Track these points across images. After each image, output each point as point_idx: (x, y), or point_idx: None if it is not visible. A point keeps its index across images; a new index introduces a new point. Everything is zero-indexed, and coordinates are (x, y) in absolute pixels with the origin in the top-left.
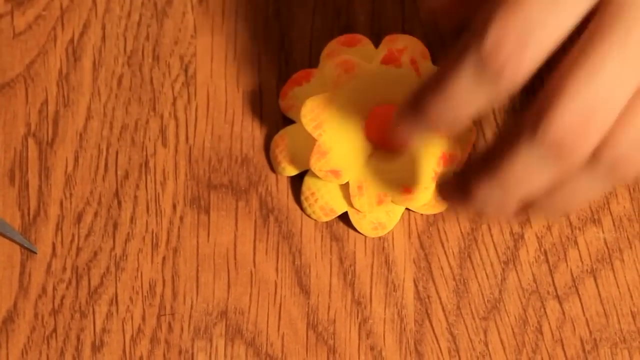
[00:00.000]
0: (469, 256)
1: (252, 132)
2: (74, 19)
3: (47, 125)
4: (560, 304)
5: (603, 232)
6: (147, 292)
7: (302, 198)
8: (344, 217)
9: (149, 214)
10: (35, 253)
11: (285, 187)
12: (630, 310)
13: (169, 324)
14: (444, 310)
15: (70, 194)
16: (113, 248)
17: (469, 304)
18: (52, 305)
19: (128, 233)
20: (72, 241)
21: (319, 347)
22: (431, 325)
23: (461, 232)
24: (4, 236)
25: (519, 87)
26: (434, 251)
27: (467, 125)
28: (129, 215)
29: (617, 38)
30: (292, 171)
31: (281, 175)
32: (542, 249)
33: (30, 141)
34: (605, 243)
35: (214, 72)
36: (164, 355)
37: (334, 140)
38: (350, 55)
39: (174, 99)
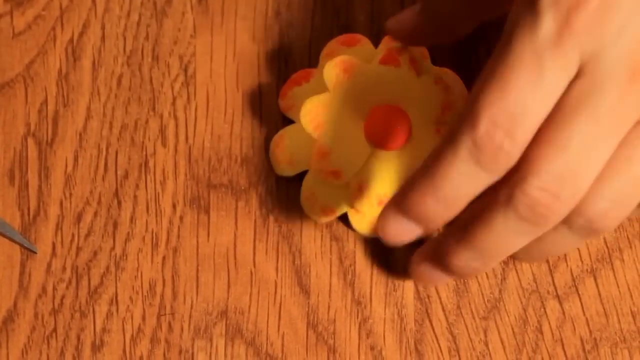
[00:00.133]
0: None
1: (251, 132)
2: (74, 19)
3: (47, 125)
4: (560, 303)
5: None
6: (147, 292)
7: (302, 199)
8: (344, 217)
9: (148, 214)
10: (35, 253)
11: (285, 187)
12: (630, 310)
13: (169, 323)
14: (444, 310)
15: (70, 194)
16: (113, 248)
17: (469, 304)
18: (52, 305)
19: (128, 233)
20: (72, 241)
21: (319, 346)
22: (431, 324)
23: None
24: (4, 236)
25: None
26: None
27: None
28: (129, 215)
29: (588, 111)
30: (291, 171)
31: (281, 176)
32: None
33: (30, 141)
34: (605, 243)
35: (213, 72)
36: (164, 355)
37: (333, 141)
38: (348, 55)
39: (174, 99)
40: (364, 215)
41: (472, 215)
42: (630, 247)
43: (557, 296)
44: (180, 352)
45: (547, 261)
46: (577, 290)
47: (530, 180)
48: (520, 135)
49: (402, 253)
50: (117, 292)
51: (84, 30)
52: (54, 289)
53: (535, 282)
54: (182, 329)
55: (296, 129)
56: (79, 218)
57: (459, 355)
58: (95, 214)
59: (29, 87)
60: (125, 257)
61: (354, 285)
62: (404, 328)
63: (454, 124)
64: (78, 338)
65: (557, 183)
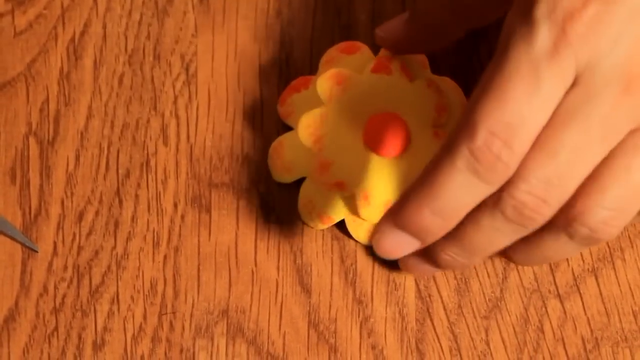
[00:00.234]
0: None
1: (253, 131)
2: (75, 18)
3: (48, 124)
4: (562, 302)
5: None
6: (149, 291)
7: (300, 205)
8: (343, 221)
9: (150, 213)
10: (37, 252)
11: (286, 186)
12: (632, 309)
13: (170, 322)
14: (445, 309)
15: (72, 193)
16: (114, 247)
17: (470, 303)
18: (54, 304)
19: (129, 232)
20: (73, 240)
21: (320, 346)
22: (432, 324)
23: None
24: (5, 235)
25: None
26: None
27: None
28: (130, 214)
29: (580, 120)
30: (289, 178)
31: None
32: None
33: (32, 140)
34: (606, 242)
35: (214, 71)
36: (165, 354)
37: (334, 153)
38: (339, 68)
39: (175, 98)
40: (362, 223)
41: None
42: (632, 247)
43: (559, 295)
44: (181, 351)
45: None
46: (578, 289)
47: (518, 184)
48: (517, 145)
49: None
50: (119, 291)
51: (86, 29)
52: (55, 287)
53: (537, 282)
54: (183, 328)
55: (294, 136)
56: (80, 217)
57: (460, 355)
58: (97, 213)
59: (31, 86)
60: (126, 256)
61: (355, 285)
62: (405, 327)
63: (451, 134)
64: (79, 337)
65: (545, 188)
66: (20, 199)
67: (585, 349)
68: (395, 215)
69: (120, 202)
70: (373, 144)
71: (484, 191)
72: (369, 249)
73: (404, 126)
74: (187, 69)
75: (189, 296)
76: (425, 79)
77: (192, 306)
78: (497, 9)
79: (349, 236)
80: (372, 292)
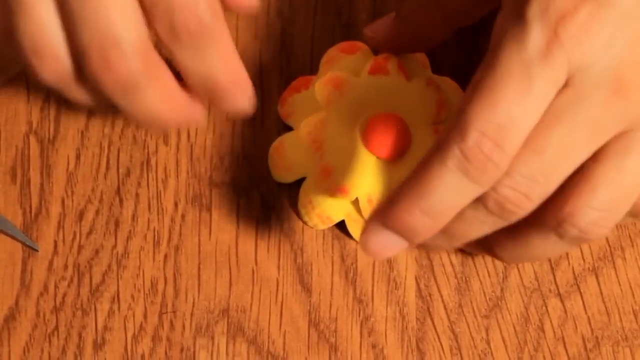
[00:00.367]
0: (470, 254)
1: (253, 130)
2: None
3: (49, 123)
4: (562, 302)
5: None
6: (149, 290)
7: (300, 205)
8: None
9: (150, 212)
10: (37, 251)
11: (286, 185)
12: (632, 309)
13: (171, 321)
14: (445, 308)
15: (72, 192)
16: (115, 246)
17: (471, 302)
18: (54, 303)
19: (130, 231)
20: (73, 239)
21: (321, 345)
22: (433, 323)
23: None
24: (6, 234)
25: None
26: None
27: None
28: (131, 213)
29: (568, 120)
30: (290, 178)
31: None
32: None
33: (32, 139)
34: (607, 241)
35: None
36: (166, 353)
37: (336, 158)
38: (338, 70)
39: None
40: (362, 223)
41: None
42: (632, 246)
43: (559, 294)
44: (181, 350)
45: (549, 260)
46: (578, 288)
47: (502, 179)
48: (508, 146)
49: (404, 251)
50: (119, 290)
51: None
52: (56, 287)
53: (537, 281)
54: (183, 327)
55: (295, 136)
56: (80, 216)
57: (460, 354)
58: (97, 212)
59: (31, 85)
60: (127, 255)
61: (356, 284)
62: (406, 326)
63: (442, 135)
64: (80, 336)
65: (528, 184)
66: (21, 198)
67: (585, 348)
68: (384, 215)
69: (121, 201)
70: (373, 146)
71: (474, 191)
72: None
73: (404, 126)
74: None
75: (189, 295)
76: (424, 77)
77: (193, 305)
78: (481, 8)
79: (350, 235)
80: (372, 291)
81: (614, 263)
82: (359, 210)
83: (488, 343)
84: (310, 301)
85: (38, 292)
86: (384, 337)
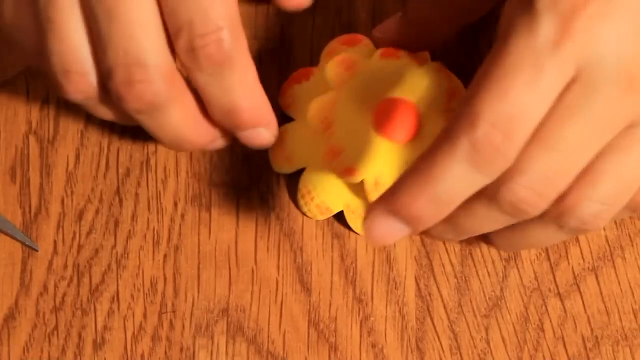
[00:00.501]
0: (470, 253)
1: None
2: None
3: (48, 123)
4: (562, 301)
5: (604, 229)
6: (149, 290)
7: (299, 196)
8: (342, 216)
9: (150, 212)
10: (37, 250)
11: (286, 185)
12: (632, 308)
13: (170, 321)
14: (445, 308)
15: (72, 192)
16: (114, 245)
17: (470, 302)
18: (54, 303)
19: (129, 230)
20: (73, 239)
21: (321, 344)
22: (432, 322)
23: None
24: (5, 234)
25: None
26: (435, 248)
27: None
28: (130, 212)
29: (579, 116)
30: (290, 169)
31: (279, 173)
32: (544, 247)
33: (32, 139)
34: (607, 240)
35: None
36: (165, 352)
37: (344, 139)
38: (349, 53)
39: None
40: (360, 215)
41: None
42: (632, 245)
43: (559, 294)
44: (181, 349)
45: (549, 259)
46: (578, 288)
47: (517, 179)
48: (517, 137)
49: (404, 251)
50: (119, 289)
51: None
52: (55, 286)
53: (537, 280)
54: (183, 327)
55: (295, 126)
56: (80, 216)
57: (460, 353)
58: (97, 211)
59: (31, 84)
60: (126, 255)
61: (355, 283)
62: (405, 326)
63: (449, 124)
64: (79, 336)
65: (542, 183)
66: (20, 198)
67: (585, 347)
68: (389, 202)
69: (121, 200)
70: (383, 129)
71: (481, 182)
72: (369, 248)
73: (414, 111)
74: None
75: (189, 295)
76: (436, 63)
77: (192, 305)
78: (485, 4)
79: (349, 234)
80: (372, 290)
81: (613, 262)
82: (358, 202)
83: (488, 343)
84: (309, 301)
85: (38, 291)
86: (384, 337)
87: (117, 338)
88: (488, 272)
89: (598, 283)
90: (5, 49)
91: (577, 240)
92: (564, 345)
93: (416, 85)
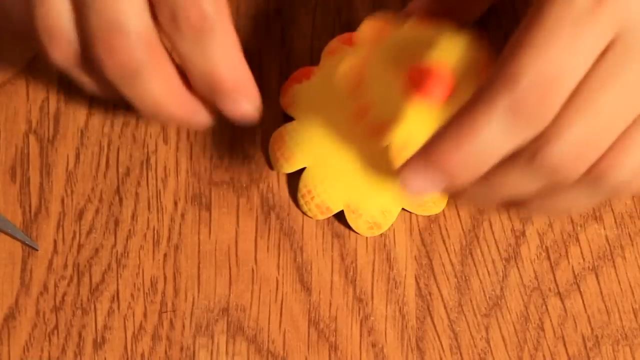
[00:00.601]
0: (470, 253)
1: (253, 129)
2: None
3: (48, 122)
4: (562, 300)
5: (604, 229)
6: (149, 289)
7: (299, 195)
8: (342, 216)
9: (150, 211)
10: (37, 250)
11: (286, 184)
12: (632, 307)
13: (171, 320)
14: (445, 307)
15: (72, 191)
16: (114, 245)
17: (471, 301)
18: (54, 302)
19: (129, 230)
20: (73, 238)
21: (321, 344)
22: (433, 322)
23: (462, 229)
24: (6, 233)
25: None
26: (435, 248)
27: None
28: (130, 212)
29: (617, 82)
30: (289, 168)
31: (279, 173)
32: (544, 246)
33: (32, 138)
34: (607, 240)
35: None
36: (166, 352)
37: (374, 100)
38: (382, 15)
39: None
40: (360, 215)
41: None
42: (632, 245)
43: (559, 293)
44: (181, 349)
45: (549, 258)
46: (578, 287)
47: (555, 143)
48: (556, 97)
49: (404, 250)
50: (119, 289)
51: None
52: (56, 286)
53: (537, 280)
54: (183, 326)
55: (295, 126)
56: (80, 215)
57: (460, 353)
58: (97, 211)
59: (31, 84)
60: (126, 255)
61: (355, 283)
62: (406, 325)
63: (488, 81)
64: (79, 335)
65: (580, 149)
66: (21, 197)
67: (585, 346)
68: (428, 155)
69: (121, 200)
70: (415, 90)
71: (518, 141)
72: (369, 247)
73: (448, 74)
74: None
75: (189, 294)
76: (471, 31)
77: (193, 304)
78: None
79: (349, 234)
80: (372, 290)
81: (613, 262)
82: (358, 201)
83: (488, 342)
84: (310, 300)
85: (38, 291)
86: (384, 336)
87: (117, 337)
88: (488, 272)
89: (598, 282)
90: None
91: (577, 239)
92: (564, 345)
93: (451, 51)
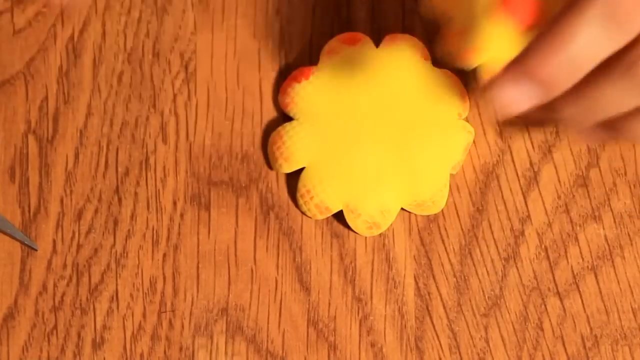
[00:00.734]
0: (469, 253)
1: (252, 129)
2: (74, 16)
3: (47, 122)
4: (561, 300)
5: (604, 228)
6: (148, 289)
7: (298, 195)
8: (343, 215)
9: (149, 211)
10: (36, 250)
11: (285, 184)
12: (631, 307)
13: (170, 320)
14: (444, 307)
15: (71, 191)
16: (113, 245)
17: (470, 301)
18: (53, 302)
19: (128, 230)
20: (72, 238)
21: (320, 344)
22: (432, 321)
23: (462, 229)
24: (5, 233)
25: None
26: (434, 248)
27: None
28: (130, 212)
29: None
30: (288, 168)
31: (278, 172)
32: (543, 246)
33: (31, 138)
34: (606, 239)
35: (214, 69)
36: (165, 352)
37: (467, 22)
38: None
39: (174, 96)
40: (359, 215)
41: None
42: (631, 244)
43: (558, 293)
44: (180, 349)
45: (548, 258)
46: (577, 287)
47: None
48: None
49: (403, 250)
50: (118, 289)
51: (85, 27)
52: (55, 286)
53: (536, 279)
54: (182, 326)
55: (294, 126)
56: (79, 215)
57: (459, 352)
58: (96, 211)
59: (30, 84)
60: (125, 255)
61: (355, 283)
62: (405, 325)
63: None
64: (78, 335)
65: None
66: (20, 197)
67: (584, 346)
68: (521, 65)
69: (120, 200)
70: (508, 13)
71: (614, 43)
72: (368, 247)
73: None
74: (186, 67)
75: (188, 294)
76: None
77: (192, 304)
78: None
79: (349, 234)
80: (371, 290)
81: (612, 262)
82: (357, 201)
83: (487, 342)
84: (309, 300)
85: (37, 291)
86: (383, 336)
87: (116, 337)
88: (487, 271)
89: (597, 282)
90: None
91: (577, 239)
92: (563, 345)
93: None
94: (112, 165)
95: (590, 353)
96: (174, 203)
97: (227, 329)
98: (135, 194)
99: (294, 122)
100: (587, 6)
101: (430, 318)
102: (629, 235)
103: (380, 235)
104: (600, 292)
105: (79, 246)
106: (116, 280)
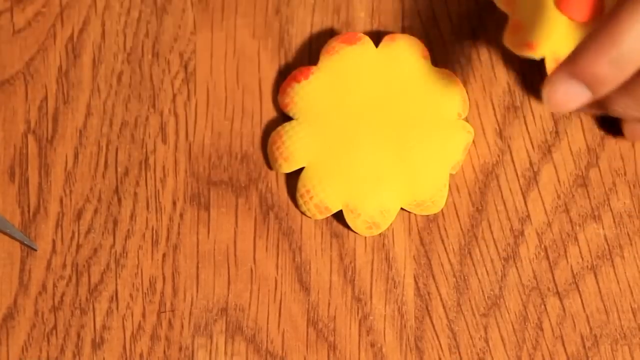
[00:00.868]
0: (469, 253)
1: (251, 129)
2: (74, 16)
3: (47, 122)
4: (561, 300)
5: (603, 228)
6: (147, 289)
7: (298, 195)
8: (343, 215)
9: (149, 211)
10: (35, 250)
11: (285, 184)
12: (631, 307)
13: (169, 320)
14: (444, 307)
15: (70, 191)
16: (113, 245)
17: (469, 301)
18: (52, 302)
19: (128, 230)
20: (72, 238)
21: (319, 343)
22: (431, 321)
23: (461, 229)
24: (4, 233)
25: None
26: (434, 248)
27: None
28: (129, 212)
29: None
30: (288, 168)
31: (278, 172)
32: (542, 246)
33: (30, 138)
34: (606, 239)
35: (213, 69)
36: (164, 352)
37: (527, 15)
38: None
39: (174, 96)
40: (359, 215)
41: None
42: (631, 244)
43: (558, 293)
44: (180, 349)
45: (548, 258)
46: (577, 287)
47: None
48: None
49: (403, 250)
50: (117, 289)
51: (84, 27)
52: (54, 286)
53: (536, 279)
54: (182, 326)
55: (294, 126)
56: (79, 215)
57: (459, 352)
58: (95, 211)
59: (29, 84)
60: (125, 254)
61: (354, 282)
62: (404, 325)
63: None
64: (78, 335)
65: None
66: (19, 197)
67: (584, 346)
68: (571, 65)
69: (119, 200)
70: (567, 7)
71: None
72: (368, 247)
73: None
74: (185, 67)
75: (187, 294)
76: None
77: (191, 304)
78: None
79: (348, 234)
80: (371, 289)
81: (612, 261)
82: (357, 201)
83: (487, 342)
84: (308, 300)
85: (36, 291)
86: (383, 336)
87: (115, 337)
88: (487, 271)
89: (597, 282)
90: None
91: (576, 239)
92: (563, 344)
93: None
94: (112, 165)
95: (590, 353)
96: (174, 203)
97: (226, 328)
98: (135, 194)
99: (293, 122)
100: (636, 6)
101: (430, 318)
102: (628, 235)
103: (380, 235)
104: (600, 292)
105: (78, 246)
106: (116, 280)
